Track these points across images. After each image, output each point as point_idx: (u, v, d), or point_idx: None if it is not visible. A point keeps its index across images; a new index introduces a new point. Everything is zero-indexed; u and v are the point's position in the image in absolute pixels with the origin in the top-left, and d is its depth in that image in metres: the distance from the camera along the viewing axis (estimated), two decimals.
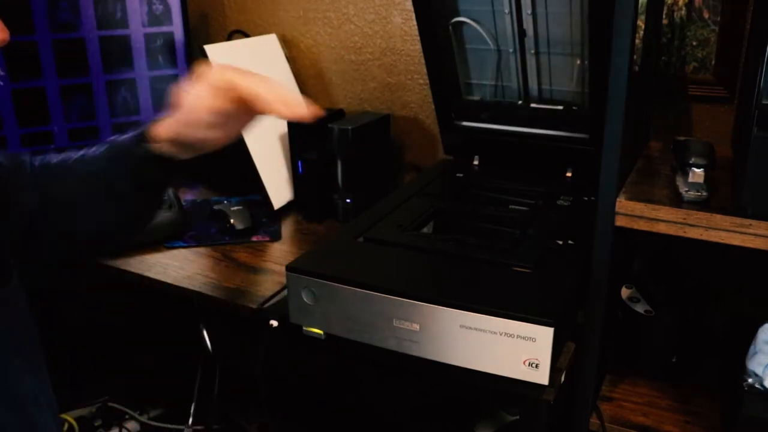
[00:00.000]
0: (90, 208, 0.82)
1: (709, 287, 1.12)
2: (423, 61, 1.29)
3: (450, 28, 1.23)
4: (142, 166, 0.81)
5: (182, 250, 1.23)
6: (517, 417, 1.09)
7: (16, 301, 0.74)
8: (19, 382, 0.72)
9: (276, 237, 1.28)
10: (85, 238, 0.85)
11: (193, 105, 0.75)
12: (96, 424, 1.47)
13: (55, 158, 0.84)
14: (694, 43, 1.17)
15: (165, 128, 0.79)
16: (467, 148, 1.35)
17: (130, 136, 0.83)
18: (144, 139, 0.81)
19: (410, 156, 1.54)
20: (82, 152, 0.85)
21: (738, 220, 0.79)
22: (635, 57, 0.83)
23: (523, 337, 0.79)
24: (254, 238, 1.27)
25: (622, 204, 0.85)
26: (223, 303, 1.07)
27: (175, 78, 1.57)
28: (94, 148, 0.85)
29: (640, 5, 1.06)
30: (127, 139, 0.83)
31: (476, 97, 1.30)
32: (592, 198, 1.08)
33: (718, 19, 1.14)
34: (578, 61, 1.16)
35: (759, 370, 0.89)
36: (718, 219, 0.80)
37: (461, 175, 1.29)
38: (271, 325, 0.98)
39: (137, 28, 1.49)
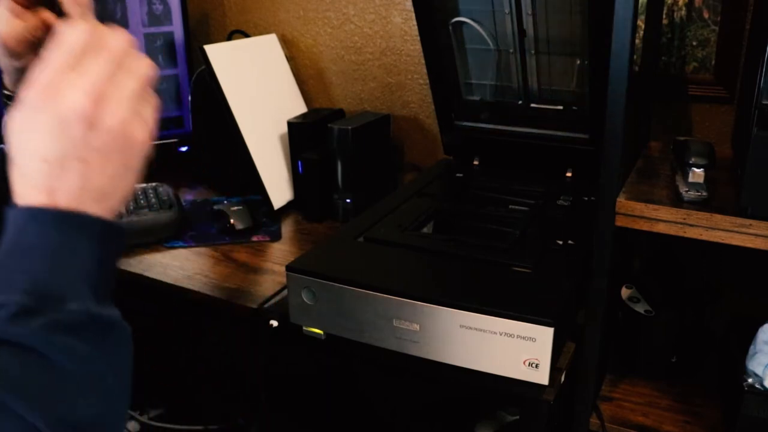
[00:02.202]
0: None
1: (709, 287, 1.12)
2: (423, 61, 1.29)
3: (450, 28, 1.23)
4: None
5: (182, 250, 1.23)
6: (517, 417, 1.09)
7: None
8: None
9: (276, 237, 1.28)
10: None
11: None
12: None
13: None
14: (694, 43, 1.18)
15: None
16: (467, 148, 1.35)
17: None
18: None
19: (410, 156, 1.54)
20: None
21: (738, 220, 0.79)
22: (635, 57, 0.83)
23: (523, 337, 0.79)
24: (254, 238, 1.27)
25: (622, 204, 0.85)
26: (223, 303, 1.07)
27: (174, 78, 1.57)
28: None
29: (640, 5, 1.06)
30: None
31: (476, 97, 1.30)
32: (592, 198, 1.08)
33: (718, 19, 1.14)
34: (578, 61, 1.16)
35: (759, 370, 0.89)
36: (718, 219, 0.80)
37: (461, 175, 1.29)
38: (271, 325, 0.98)
39: (137, 28, 1.49)
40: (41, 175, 0.48)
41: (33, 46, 0.67)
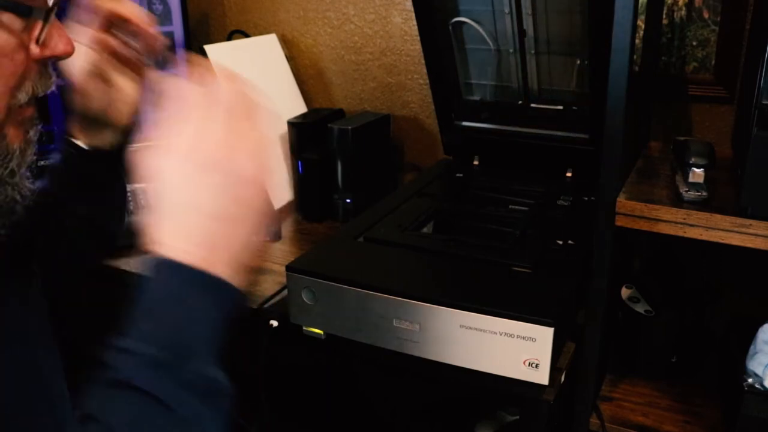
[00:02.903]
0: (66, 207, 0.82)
1: (709, 287, 1.12)
2: (423, 61, 1.29)
3: (450, 28, 1.23)
4: (78, 169, 0.81)
5: None
6: (517, 417, 1.09)
7: (36, 289, 0.75)
8: (54, 382, 0.72)
9: (276, 237, 1.28)
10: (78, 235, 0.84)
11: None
12: None
13: None
14: (694, 43, 1.17)
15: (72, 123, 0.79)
16: (467, 148, 1.35)
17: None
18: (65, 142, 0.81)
19: (410, 156, 1.54)
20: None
21: (738, 220, 0.78)
22: (635, 57, 0.83)
23: (523, 337, 0.79)
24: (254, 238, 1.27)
25: (622, 204, 0.85)
26: None
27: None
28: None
29: (640, 5, 1.06)
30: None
31: (476, 97, 1.30)
32: (592, 198, 1.08)
33: (718, 19, 1.14)
34: (578, 61, 1.16)
35: (759, 370, 0.89)
36: (718, 219, 0.80)
37: (461, 175, 1.29)
38: (271, 325, 0.98)
39: None
40: (202, 232, 0.51)
41: (108, 93, 0.75)
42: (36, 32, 0.58)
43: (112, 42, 0.73)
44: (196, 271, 0.51)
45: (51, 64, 0.63)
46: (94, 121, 0.80)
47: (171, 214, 0.52)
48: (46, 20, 0.58)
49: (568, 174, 1.26)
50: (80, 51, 0.70)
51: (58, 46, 0.61)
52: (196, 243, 0.51)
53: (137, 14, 0.71)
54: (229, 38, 1.57)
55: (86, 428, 0.48)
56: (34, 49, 0.59)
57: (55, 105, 1.42)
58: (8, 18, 0.56)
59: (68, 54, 0.62)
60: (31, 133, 0.64)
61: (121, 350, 0.50)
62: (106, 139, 0.82)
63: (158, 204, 0.52)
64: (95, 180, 0.83)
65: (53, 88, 0.64)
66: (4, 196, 0.61)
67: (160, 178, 0.52)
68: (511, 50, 1.20)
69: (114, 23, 0.72)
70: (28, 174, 0.63)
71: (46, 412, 0.68)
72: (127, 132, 0.82)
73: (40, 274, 0.76)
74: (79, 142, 0.81)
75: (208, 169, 0.51)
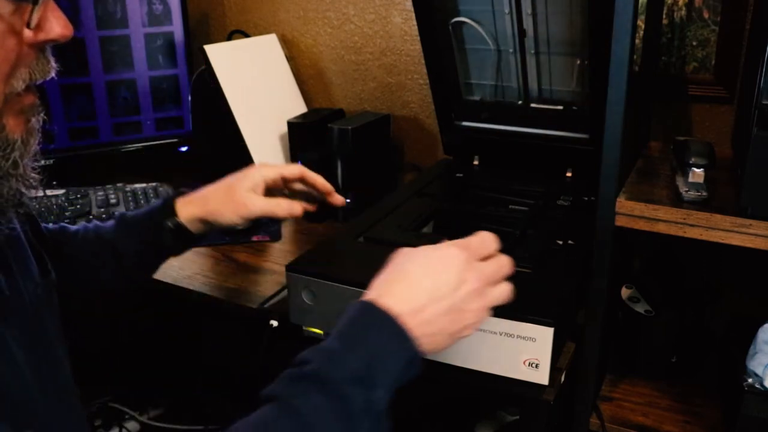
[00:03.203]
0: (96, 268, 0.89)
1: (709, 287, 1.12)
2: (423, 61, 1.29)
3: (450, 28, 1.23)
4: (157, 235, 0.88)
5: None
6: (517, 417, 1.09)
7: (53, 293, 0.76)
8: (65, 371, 0.73)
9: (276, 237, 1.28)
10: (90, 295, 0.93)
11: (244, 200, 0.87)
12: (96, 424, 1.47)
13: (71, 227, 0.92)
14: (694, 43, 1.18)
15: (196, 208, 0.89)
16: (467, 148, 1.35)
17: (149, 209, 0.91)
18: (167, 211, 0.88)
19: (410, 156, 1.54)
20: (94, 223, 0.93)
21: (738, 220, 0.78)
22: (635, 57, 0.83)
23: (523, 337, 0.79)
24: (254, 238, 1.27)
25: (622, 204, 0.85)
26: (223, 303, 1.07)
27: (175, 78, 1.57)
28: (107, 222, 0.93)
29: (640, 5, 1.06)
30: (144, 211, 0.91)
31: (476, 97, 1.30)
32: (592, 198, 1.08)
33: (718, 19, 1.14)
34: (578, 61, 1.16)
35: (759, 370, 0.89)
36: (718, 219, 0.80)
37: (461, 175, 1.29)
38: (271, 325, 0.98)
39: (137, 28, 1.49)
40: (421, 312, 0.62)
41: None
42: (27, 15, 0.55)
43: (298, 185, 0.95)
44: (405, 331, 0.60)
45: (50, 48, 0.60)
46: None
47: (406, 285, 0.64)
48: (35, 2, 0.55)
49: (568, 174, 1.26)
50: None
51: (53, 29, 0.57)
52: (411, 312, 0.62)
53: (323, 183, 0.96)
54: (229, 38, 1.57)
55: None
56: (27, 34, 0.56)
57: (55, 105, 1.42)
58: None
59: (65, 37, 0.59)
60: (33, 121, 0.61)
61: (325, 350, 0.60)
62: (203, 227, 0.91)
63: (396, 273, 0.66)
64: (163, 241, 0.90)
65: (52, 74, 0.61)
66: (8, 188, 0.59)
67: (406, 258, 0.66)
68: (511, 50, 1.20)
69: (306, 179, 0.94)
70: (33, 164, 0.62)
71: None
72: (227, 230, 0.96)
73: (57, 277, 0.77)
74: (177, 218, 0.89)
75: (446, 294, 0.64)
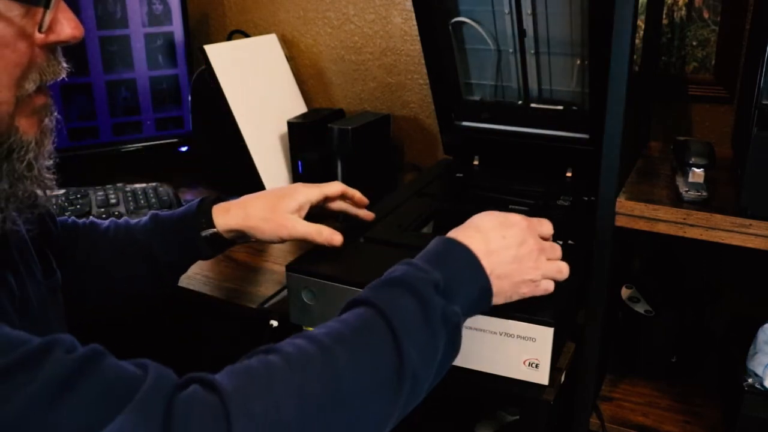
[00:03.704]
0: (126, 269, 0.88)
1: (709, 287, 1.12)
2: (423, 61, 1.29)
3: (450, 28, 1.23)
4: (192, 241, 0.88)
5: None
6: (517, 417, 1.09)
7: (58, 293, 0.76)
8: None
9: None
10: (113, 296, 0.91)
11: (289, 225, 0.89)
12: None
13: (101, 223, 0.91)
14: (694, 43, 1.18)
15: (234, 220, 0.88)
16: (467, 148, 1.35)
17: (184, 212, 0.90)
18: (204, 219, 0.88)
19: (410, 156, 1.54)
20: (125, 220, 0.92)
21: (738, 220, 0.78)
22: (635, 57, 0.83)
23: (523, 337, 0.79)
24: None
25: (622, 204, 0.85)
26: (223, 303, 1.07)
27: (175, 78, 1.57)
28: (138, 220, 0.92)
29: (640, 5, 1.06)
30: (179, 215, 0.90)
31: (476, 97, 1.30)
32: (592, 198, 1.08)
33: (718, 19, 1.14)
34: (578, 61, 1.16)
35: (759, 370, 0.89)
36: (718, 219, 0.80)
37: (461, 175, 1.29)
38: (271, 325, 0.98)
39: (137, 28, 1.49)
40: (494, 255, 0.73)
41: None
42: (38, 18, 0.55)
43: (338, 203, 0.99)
44: (481, 264, 0.70)
45: (60, 49, 0.60)
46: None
47: (480, 233, 0.74)
48: (47, 5, 0.55)
49: (568, 174, 1.26)
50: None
51: (64, 30, 0.57)
52: (485, 252, 0.71)
53: (360, 197, 1.00)
54: (229, 38, 1.57)
55: (267, 357, 0.61)
56: (38, 36, 0.56)
57: (55, 105, 1.42)
58: (5, 5, 0.53)
59: (76, 38, 0.59)
60: (47, 121, 0.61)
61: (409, 263, 0.68)
62: (237, 237, 0.91)
63: (469, 226, 0.76)
64: (198, 247, 0.90)
65: (63, 75, 0.61)
66: (23, 190, 0.58)
67: (477, 217, 0.77)
68: (511, 50, 1.20)
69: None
70: (48, 164, 0.62)
71: None
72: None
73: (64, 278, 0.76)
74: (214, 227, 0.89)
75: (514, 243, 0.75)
